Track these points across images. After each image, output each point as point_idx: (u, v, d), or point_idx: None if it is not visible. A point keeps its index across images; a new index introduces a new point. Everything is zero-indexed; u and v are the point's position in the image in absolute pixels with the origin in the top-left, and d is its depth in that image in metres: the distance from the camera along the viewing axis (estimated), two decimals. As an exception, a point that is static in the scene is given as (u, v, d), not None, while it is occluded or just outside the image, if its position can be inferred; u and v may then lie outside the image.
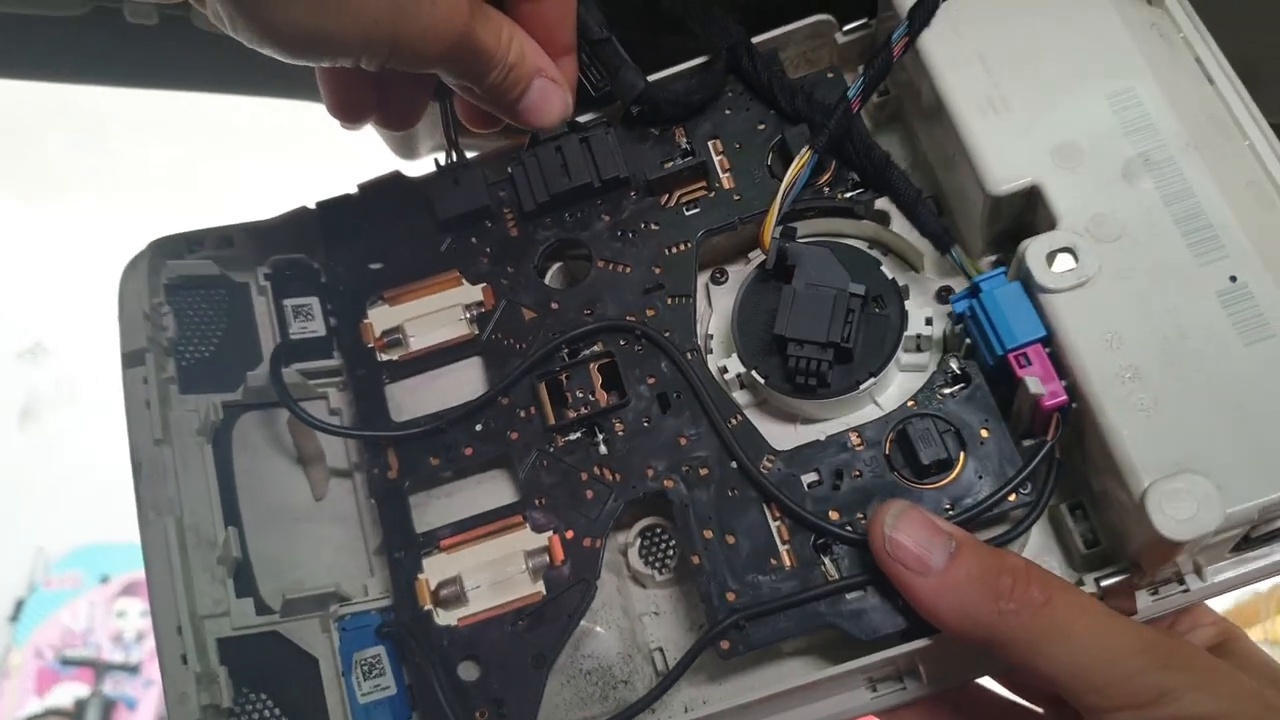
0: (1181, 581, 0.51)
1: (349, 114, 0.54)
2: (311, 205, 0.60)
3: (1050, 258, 0.50)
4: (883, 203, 0.57)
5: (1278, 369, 0.47)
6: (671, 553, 0.54)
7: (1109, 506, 0.49)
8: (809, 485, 0.51)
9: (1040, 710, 0.56)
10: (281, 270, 0.60)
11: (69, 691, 1.55)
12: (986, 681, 0.56)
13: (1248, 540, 0.49)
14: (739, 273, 0.59)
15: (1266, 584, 0.51)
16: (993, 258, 0.55)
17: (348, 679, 0.51)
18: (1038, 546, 0.52)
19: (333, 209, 0.60)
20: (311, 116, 0.86)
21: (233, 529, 0.53)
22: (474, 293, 0.57)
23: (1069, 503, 0.51)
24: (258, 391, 0.57)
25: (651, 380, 0.54)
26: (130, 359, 0.55)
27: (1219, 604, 0.52)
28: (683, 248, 0.56)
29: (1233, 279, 0.48)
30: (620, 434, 0.53)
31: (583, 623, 0.52)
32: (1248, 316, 0.48)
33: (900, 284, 0.55)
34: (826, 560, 0.50)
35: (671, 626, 0.54)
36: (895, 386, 0.55)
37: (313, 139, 0.59)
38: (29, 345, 1.57)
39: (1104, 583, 0.49)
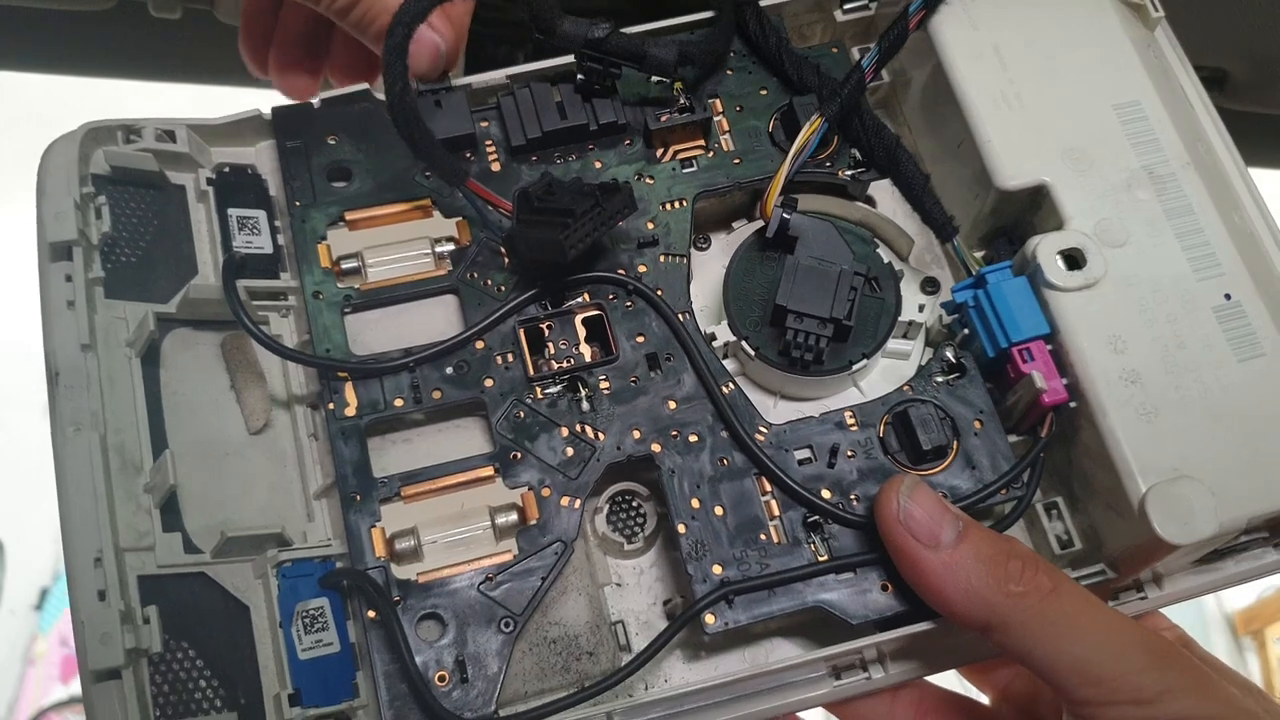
0: (1141, 589, 0.52)
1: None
2: (266, 111, 0.54)
3: (1060, 256, 0.50)
4: (874, 189, 0.56)
5: (1268, 386, 0.48)
6: (641, 521, 0.51)
7: (1094, 507, 0.50)
8: (800, 462, 0.50)
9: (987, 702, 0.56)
10: (226, 176, 0.54)
11: None
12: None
13: (1213, 552, 0.51)
14: (721, 240, 0.56)
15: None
16: (981, 253, 0.55)
17: (287, 631, 0.46)
18: (1010, 544, 0.52)
19: (290, 116, 0.54)
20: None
21: (168, 452, 0.46)
22: (447, 226, 0.53)
23: (1044, 502, 0.51)
24: (195, 305, 0.50)
25: (640, 339, 0.51)
26: (55, 251, 0.48)
27: (1240, 597, 0.54)
28: (679, 205, 0.54)
29: (1227, 297, 0.50)
30: (605, 392, 0.50)
31: (552, 590, 0.49)
32: (1241, 334, 0.49)
33: (896, 268, 0.54)
34: (816, 539, 0.48)
35: (634, 599, 0.51)
36: (876, 373, 0.54)
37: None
38: (54, 339, 1.52)
39: (1083, 583, 0.49)
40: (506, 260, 0.52)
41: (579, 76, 0.54)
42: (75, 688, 1.48)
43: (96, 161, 0.51)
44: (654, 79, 0.55)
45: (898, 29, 0.53)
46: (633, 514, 0.52)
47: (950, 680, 0.55)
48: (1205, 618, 1.48)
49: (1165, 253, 0.50)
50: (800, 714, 0.52)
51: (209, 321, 0.52)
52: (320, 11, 0.48)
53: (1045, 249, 0.50)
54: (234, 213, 0.53)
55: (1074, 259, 0.50)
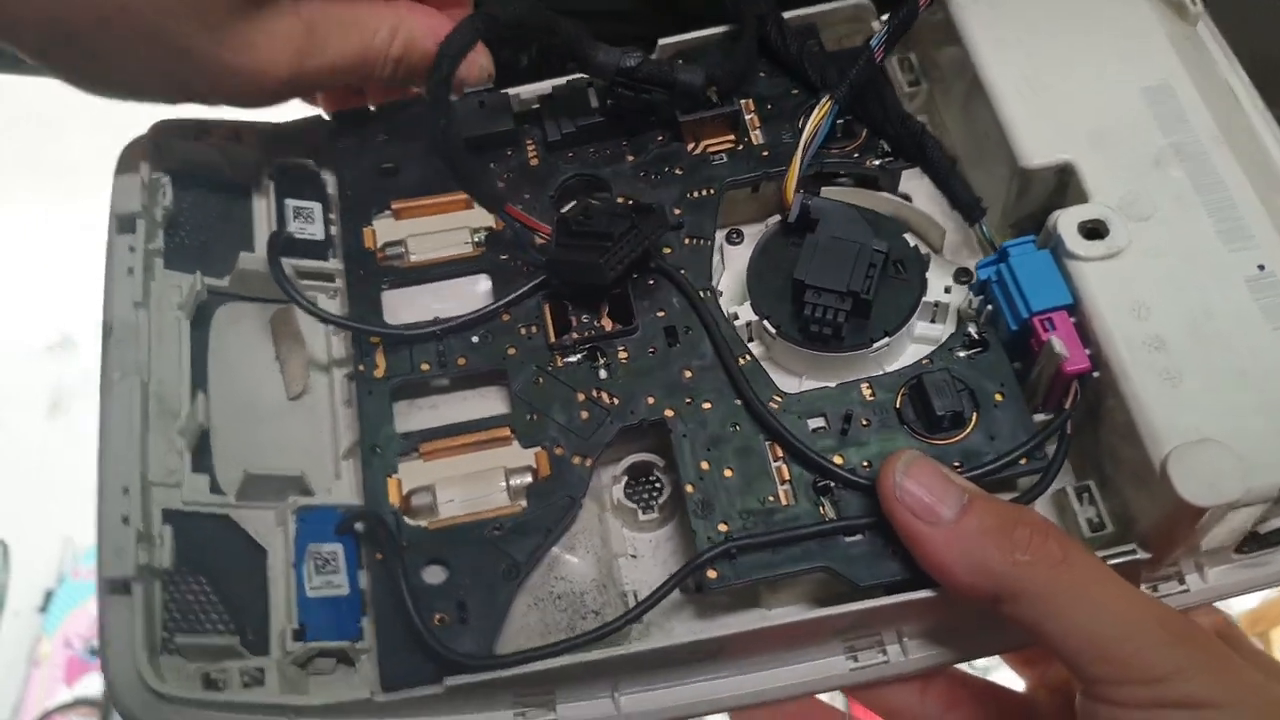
0: (1182, 581, 0.49)
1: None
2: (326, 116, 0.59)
3: (1082, 228, 0.49)
4: (906, 184, 0.57)
5: (1303, 353, 0.46)
6: (657, 492, 0.52)
7: (1123, 484, 0.48)
8: (814, 429, 0.49)
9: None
10: (286, 173, 0.58)
11: (98, 681, 1.51)
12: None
13: (1254, 538, 0.48)
14: (755, 234, 0.58)
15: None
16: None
17: (299, 570, 0.47)
18: (1040, 527, 0.50)
19: (348, 120, 0.59)
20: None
21: (202, 395, 0.49)
22: (485, 216, 0.56)
23: (1075, 486, 0.50)
24: (246, 278, 0.54)
25: (661, 314, 0.52)
26: (121, 223, 0.52)
27: (1246, 598, 0.50)
28: (707, 192, 0.55)
29: (1261, 267, 0.48)
30: (623, 361, 0.51)
31: (557, 548, 0.49)
32: (1275, 303, 0.47)
33: (922, 251, 0.54)
34: (826, 503, 0.48)
35: (648, 570, 0.51)
36: (905, 357, 0.54)
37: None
38: (57, 339, 1.60)
39: (1111, 562, 0.46)
40: (539, 241, 0.54)
41: (608, 101, 0.57)
42: (80, 690, 1.50)
43: (167, 154, 0.56)
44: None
45: (908, 7, 0.54)
46: (650, 485, 0.52)
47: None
48: (1212, 618, 1.36)
49: (1194, 225, 0.49)
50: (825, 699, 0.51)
51: (260, 298, 0.55)
52: (361, 85, 0.53)
53: (1066, 221, 0.49)
54: (290, 203, 0.56)
55: (1096, 230, 0.49)
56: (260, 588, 0.48)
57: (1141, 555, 0.47)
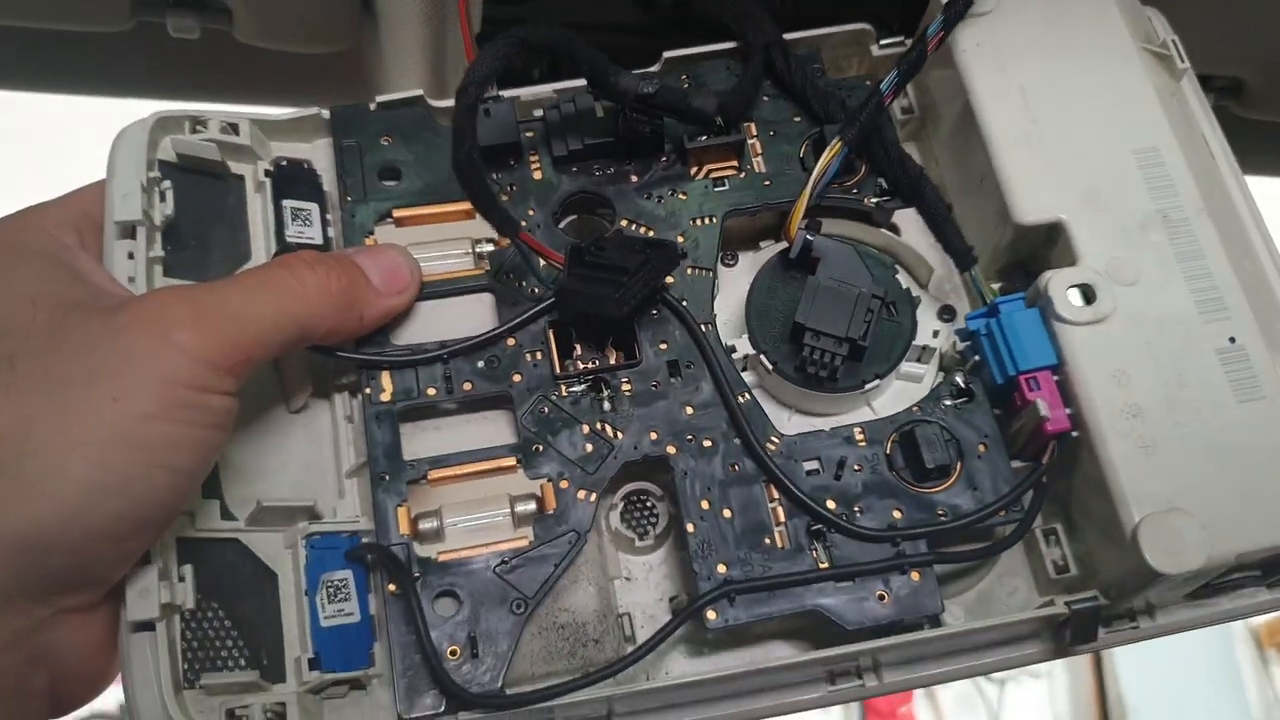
0: (1134, 619, 0.53)
1: None
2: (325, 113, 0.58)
3: (1071, 291, 0.52)
4: (898, 217, 0.58)
5: (1266, 428, 0.50)
6: (653, 520, 0.54)
7: (1090, 535, 0.52)
8: (808, 472, 0.52)
9: None
10: (283, 169, 0.57)
11: (114, 696, 1.47)
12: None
13: (1205, 587, 0.52)
14: (749, 258, 0.59)
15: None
16: (997, 285, 0.57)
17: (311, 599, 0.49)
18: (1008, 566, 0.54)
19: (347, 117, 0.58)
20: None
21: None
22: (488, 227, 0.56)
23: (1043, 529, 0.53)
24: (247, 289, 0.53)
25: (664, 346, 0.54)
26: (120, 230, 0.51)
27: None
28: (709, 221, 0.56)
29: (1232, 340, 0.51)
30: (627, 394, 0.53)
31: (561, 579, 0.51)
32: (1243, 376, 0.51)
33: (913, 294, 0.56)
34: (819, 546, 0.50)
35: (642, 593, 0.53)
36: (889, 394, 0.56)
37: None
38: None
39: (1075, 607, 0.50)
40: (542, 264, 0.55)
41: (619, 121, 0.57)
42: (97, 704, 1.50)
43: (164, 148, 0.54)
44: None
45: (916, 51, 0.55)
46: (646, 513, 0.54)
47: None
48: (1229, 631, 1.43)
49: (1173, 294, 0.52)
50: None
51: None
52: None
53: (1057, 284, 0.52)
54: (288, 204, 0.56)
55: (1085, 294, 0.52)
56: (272, 612, 0.49)
57: (1103, 602, 0.51)
